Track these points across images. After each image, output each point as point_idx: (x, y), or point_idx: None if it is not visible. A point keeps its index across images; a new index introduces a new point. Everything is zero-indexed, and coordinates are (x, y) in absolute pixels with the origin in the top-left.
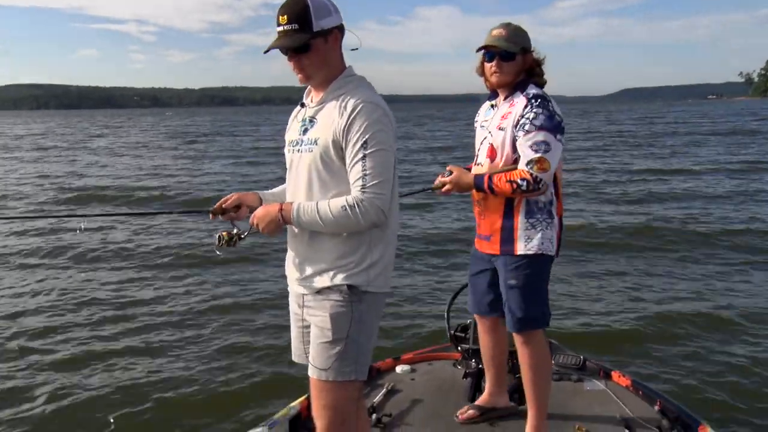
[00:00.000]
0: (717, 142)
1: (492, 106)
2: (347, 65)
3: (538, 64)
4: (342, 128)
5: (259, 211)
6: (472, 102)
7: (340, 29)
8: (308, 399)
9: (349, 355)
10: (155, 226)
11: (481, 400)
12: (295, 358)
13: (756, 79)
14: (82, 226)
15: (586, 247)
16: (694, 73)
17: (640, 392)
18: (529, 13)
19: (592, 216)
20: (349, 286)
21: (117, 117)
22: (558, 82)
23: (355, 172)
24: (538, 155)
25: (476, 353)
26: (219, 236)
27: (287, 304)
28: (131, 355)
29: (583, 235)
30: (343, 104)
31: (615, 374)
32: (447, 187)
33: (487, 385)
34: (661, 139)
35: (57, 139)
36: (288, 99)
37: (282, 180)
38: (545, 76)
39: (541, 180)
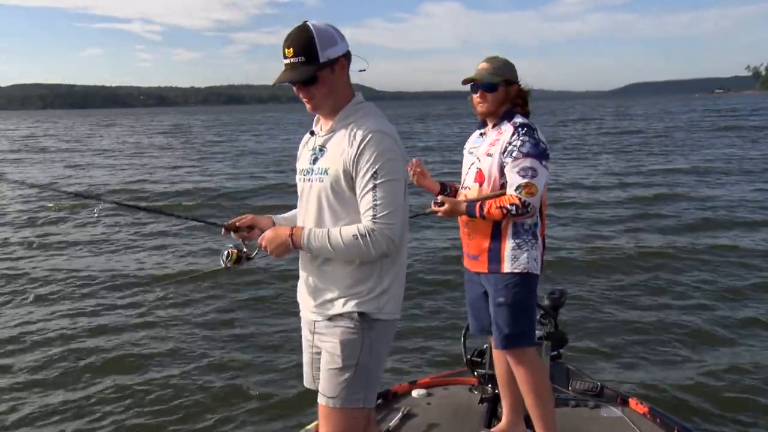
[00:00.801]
0: None
1: (481, 134)
2: (355, 92)
3: (522, 95)
4: (352, 158)
5: (269, 233)
6: None
7: (346, 57)
8: None
9: (359, 382)
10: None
11: (498, 428)
12: (306, 383)
13: (763, 73)
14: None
15: (604, 269)
16: (700, 67)
17: (658, 420)
18: (534, 9)
19: (623, 237)
20: (360, 314)
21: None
22: (564, 77)
23: (365, 202)
24: (526, 180)
25: (492, 378)
26: (228, 252)
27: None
28: (135, 368)
29: (608, 255)
30: (353, 133)
31: (632, 401)
32: (439, 214)
33: (504, 413)
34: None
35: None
36: (294, 98)
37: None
38: (529, 107)
39: (529, 204)
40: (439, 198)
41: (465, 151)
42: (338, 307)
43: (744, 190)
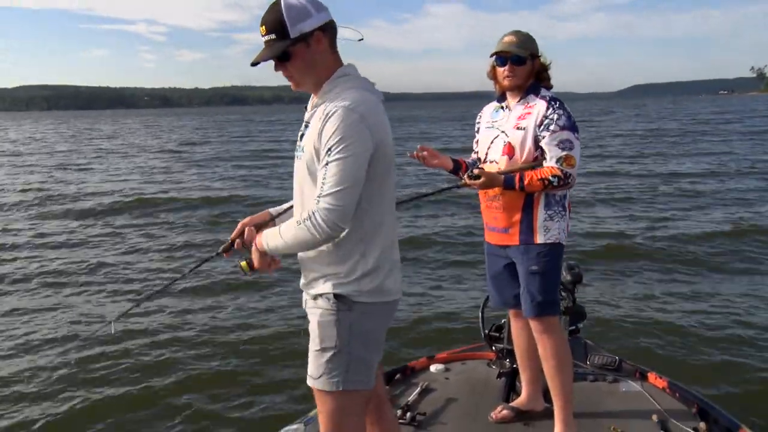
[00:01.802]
0: None
1: (502, 108)
2: (344, 63)
3: (545, 68)
4: (318, 135)
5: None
6: (484, 99)
7: (324, 29)
8: None
9: (338, 364)
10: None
11: (518, 402)
12: None
13: None
14: None
15: (625, 252)
16: (704, 68)
17: (677, 394)
18: (536, 9)
19: (638, 222)
20: (337, 296)
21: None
22: (568, 78)
23: (318, 181)
24: (565, 153)
25: (510, 353)
26: (240, 266)
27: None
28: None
29: (626, 240)
30: (324, 109)
31: (651, 375)
32: (473, 187)
33: (524, 388)
34: None
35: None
36: (297, 98)
37: None
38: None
39: (570, 175)
40: (476, 171)
41: (481, 126)
42: (318, 287)
43: None
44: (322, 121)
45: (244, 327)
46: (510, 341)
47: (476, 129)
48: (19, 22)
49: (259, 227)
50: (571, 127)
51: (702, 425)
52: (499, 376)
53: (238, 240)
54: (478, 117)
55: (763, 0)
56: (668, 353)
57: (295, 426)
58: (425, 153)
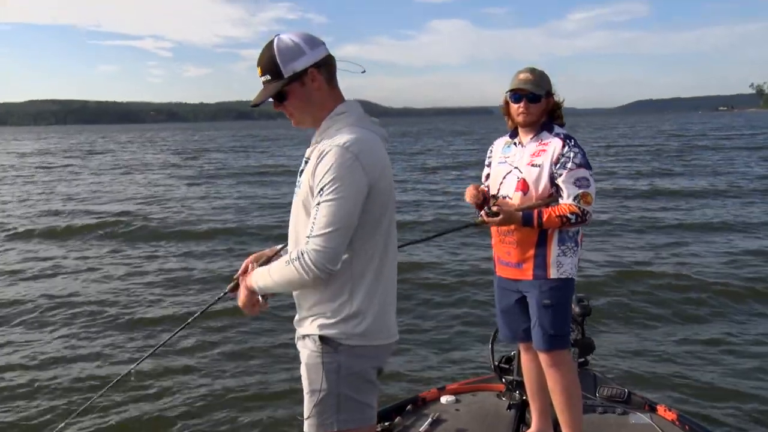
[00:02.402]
0: None
1: (514, 143)
2: (345, 100)
3: (558, 106)
4: (311, 173)
5: (238, 294)
6: (484, 114)
7: (319, 65)
8: None
9: (327, 407)
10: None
11: None
12: None
13: (767, 91)
14: None
15: (633, 282)
16: (704, 85)
17: (687, 427)
18: (538, 26)
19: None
20: (322, 338)
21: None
22: (569, 95)
23: (309, 221)
24: (582, 190)
25: (520, 385)
26: None
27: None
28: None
29: (635, 269)
30: (320, 147)
31: (660, 408)
32: (496, 222)
33: (534, 419)
34: None
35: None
36: None
37: None
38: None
39: (587, 212)
40: (494, 208)
41: (493, 161)
42: (305, 327)
43: None
44: (317, 160)
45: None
46: (519, 373)
47: (487, 163)
48: (29, 38)
49: (266, 263)
50: (586, 164)
51: None
52: (509, 407)
53: (243, 277)
54: (489, 151)
55: (762, 18)
56: (678, 385)
57: None
58: (477, 193)
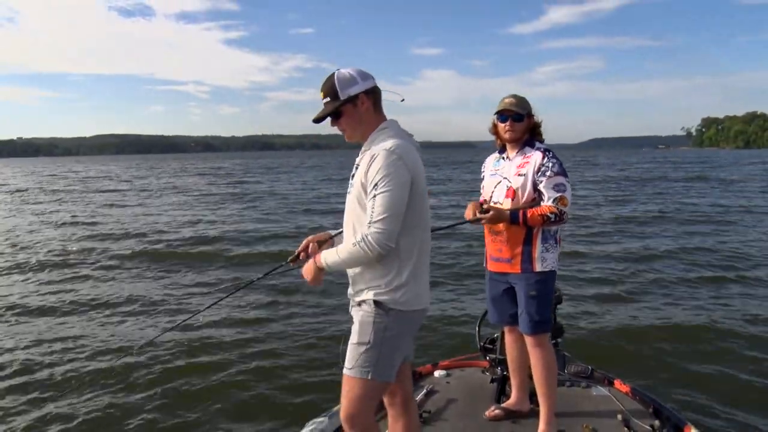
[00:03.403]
0: None
1: (503, 158)
2: (387, 118)
3: (537, 125)
4: (364, 173)
5: (304, 267)
6: (468, 147)
7: (368, 93)
8: None
9: (369, 357)
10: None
11: (508, 403)
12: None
13: (694, 133)
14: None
15: (597, 278)
16: (646, 126)
17: (638, 397)
18: (513, 76)
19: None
20: (376, 302)
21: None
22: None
23: (367, 210)
24: (560, 194)
25: (502, 362)
26: (302, 274)
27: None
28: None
29: (597, 265)
30: (370, 153)
31: (617, 382)
32: (483, 221)
33: (513, 391)
34: None
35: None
36: (316, 144)
37: None
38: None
39: (564, 212)
40: (485, 206)
41: (485, 173)
42: (362, 295)
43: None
44: (368, 163)
45: (289, 331)
46: (501, 352)
47: (482, 176)
48: (97, 85)
49: (320, 244)
50: (563, 172)
51: (656, 423)
52: (492, 381)
53: (303, 253)
54: (483, 166)
55: (689, 76)
56: (632, 363)
57: (320, 419)
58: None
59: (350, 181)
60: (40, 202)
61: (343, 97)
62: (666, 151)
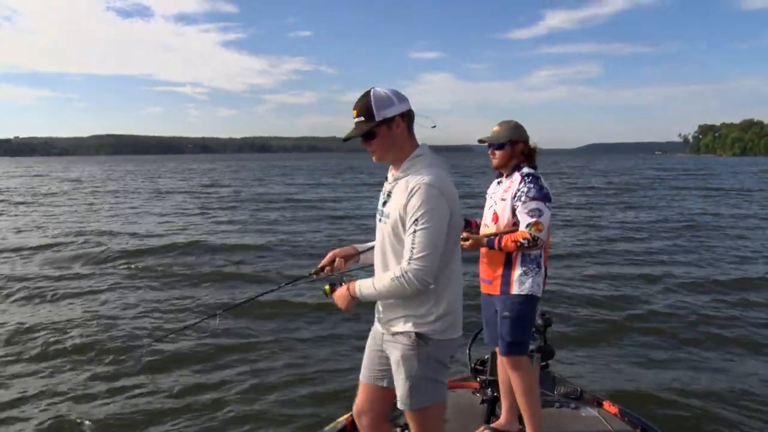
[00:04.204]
0: None
1: (498, 182)
2: (420, 143)
3: (529, 151)
4: (403, 205)
5: (336, 293)
6: (467, 151)
7: (403, 116)
8: (352, 416)
9: (420, 388)
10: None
11: (497, 424)
12: (361, 377)
13: (691, 140)
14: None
15: (588, 300)
16: (643, 132)
17: (626, 418)
18: (511, 80)
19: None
20: (417, 334)
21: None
22: (535, 137)
23: (406, 245)
24: (534, 219)
25: (492, 383)
26: (324, 290)
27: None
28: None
29: (590, 288)
30: (407, 184)
31: (606, 403)
32: (464, 246)
33: (503, 412)
34: None
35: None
36: (313, 147)
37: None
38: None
39: (538, 238)
40: (464, 234)
41: (487, 196)
42: (399, 326)
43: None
44: (407, 195)
45: (302, 345)
46: (492, 373)
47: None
48: (94, 86)
49: (346, 259)
50: (542, 197)
51: None
52: (482, 402)
53: (328, 267)
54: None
55: (686, 83)
56: (620, 385)
57: None
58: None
59: (381, 209)
60: None
61: (378, 118)
62: (663, 156)
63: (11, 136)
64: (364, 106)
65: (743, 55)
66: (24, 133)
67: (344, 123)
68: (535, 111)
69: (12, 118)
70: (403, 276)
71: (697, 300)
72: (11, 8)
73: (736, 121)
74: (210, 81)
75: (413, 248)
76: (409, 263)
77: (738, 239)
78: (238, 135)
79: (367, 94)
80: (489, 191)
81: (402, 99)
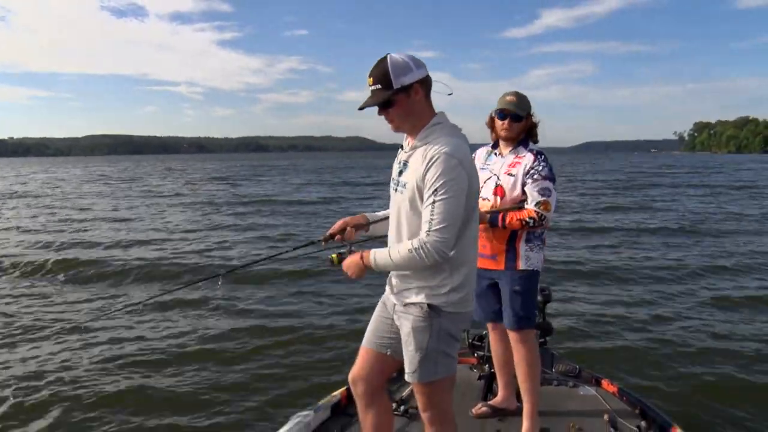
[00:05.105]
0: None
1: (494, 153)
2: (437, 111)
3: (534, 126)
4: (422, 175)
5: (347, 260)
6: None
7: (422, 82)
8: (347, 389)
9: (430, 360)
10: None
11: (494, 401)
12: (364, 342)
13: (686, 138)
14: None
15: (588, 276)
16: (638, 131)
17: (625, 398)
18: (506, 80)
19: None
20: (429, 305)
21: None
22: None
23: (424, 216)
24: (544, 198)
25: (489, 359)
26: (330, 258)
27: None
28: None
29: (590, 265)
30: (426, 153)
31: (604, 382)
32: None
33: (500, 389)
34: None
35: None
36: (309, 146)
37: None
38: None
39: (545, 218)
40: None
41: (480, 167)
42: (411, 297)
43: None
44: (426, 165)
45: (295, 315)
46: (489, 349)
47: None
48: (88, 85)
49: (356, 228)
50: (551, 177)
51: (643, 423)
52: (479, 378)
53: (338, 235)
54: (475, 159)
55: (681, 81)
56: (620, 363)
57: (306, 412)
58: None
59: (397, 178)
60: None
61: (396, 85)
62: (659, 154)
63: (6, 137)
64: (381, 73)
65: (739, 53)
66: (18, 133)
67: (342, 122)
68: (533, 109)
69: (6, 119)
70: (421, 248)
71: (700, 284)
72: (5, 7)
73: (732, 118)
74: (205, 80)
75: (432, 219)
76: (428, 234)
77: (733, 235)
78: (234, 134)
79: (383, 60)
80: (479, 161)
81: (420, 65)
